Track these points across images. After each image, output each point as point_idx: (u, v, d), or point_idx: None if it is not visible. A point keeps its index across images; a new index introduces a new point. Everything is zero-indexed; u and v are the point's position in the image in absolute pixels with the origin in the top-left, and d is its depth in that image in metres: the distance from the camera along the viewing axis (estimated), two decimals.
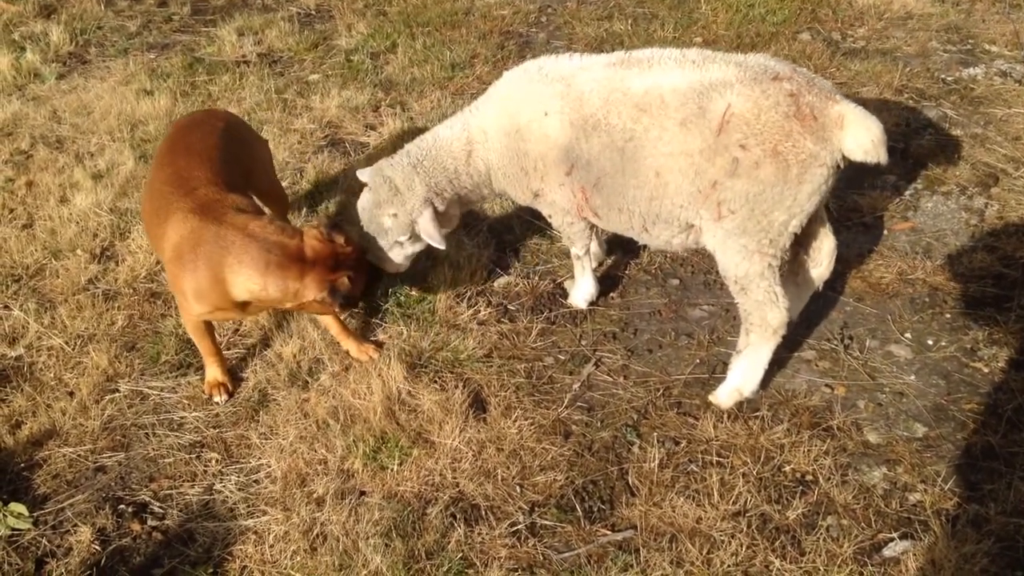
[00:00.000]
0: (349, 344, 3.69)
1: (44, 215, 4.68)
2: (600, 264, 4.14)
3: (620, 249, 4.24)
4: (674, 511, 2.98)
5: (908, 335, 3.70)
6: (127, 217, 4.63)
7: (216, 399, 3.55)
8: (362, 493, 3.13)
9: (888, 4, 6.46)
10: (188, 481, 3.24)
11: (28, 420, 3.49)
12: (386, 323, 3.90)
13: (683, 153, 3.02)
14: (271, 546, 2.95)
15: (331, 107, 5.58)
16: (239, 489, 3.19)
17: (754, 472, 3.10)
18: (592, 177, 3.26)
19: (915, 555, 2.78)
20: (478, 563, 2.86)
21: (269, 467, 3.25)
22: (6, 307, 4.08)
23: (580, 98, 3.19)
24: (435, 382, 3.52)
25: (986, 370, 3.50)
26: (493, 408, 3.41)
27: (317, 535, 2.97)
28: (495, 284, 4.11)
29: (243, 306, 3.23)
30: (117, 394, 3.61)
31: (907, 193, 4.55)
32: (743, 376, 3.34)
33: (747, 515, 2.96)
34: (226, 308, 3.21)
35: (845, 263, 3.99)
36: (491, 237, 4.39)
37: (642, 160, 3.10)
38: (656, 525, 2.95)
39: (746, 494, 3.02)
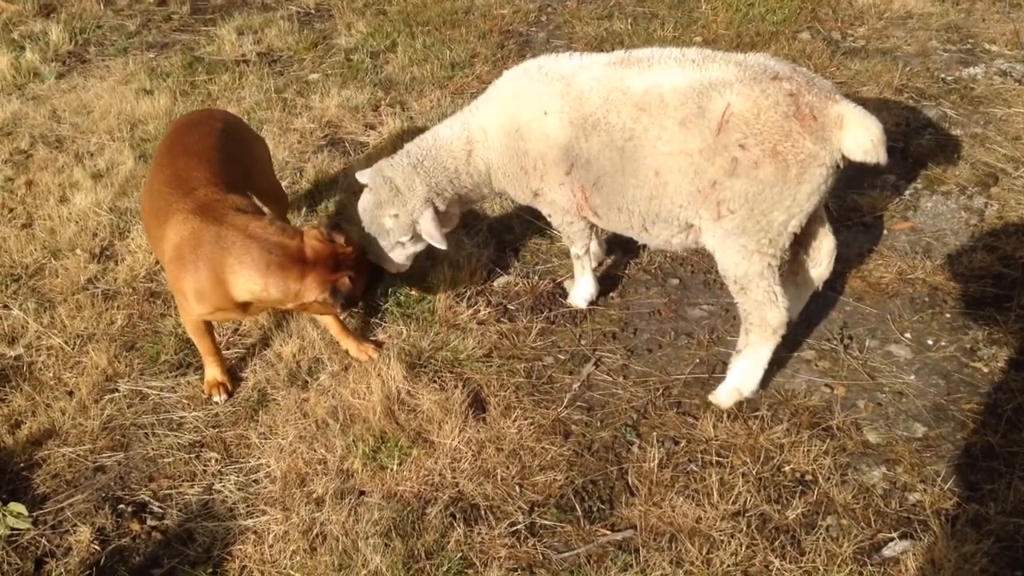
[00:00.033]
0: (348, 344, 3.69)
1: (43, 214, 4.68)
2: (600, 264, 4.14)
3: (620, 249, 4.24)
4: (674, 511, 2.98)
5: (908, 335, 3.70)
6: (127, 217, 4.63)
7: (215, 399, 3.55)
8: (362, 493, 3.13)
9: (888, 3, 6.46)
10: (187, 481, 3.24)
11: (27, 420, 3.49)
12: (385, 323, 3.90)
13: (682, 152, 3.02)
14: (271, 546, 2.95)
15: (331, 106, 5.57)
16: (238, 489, 3.19)
17: (754, 472, 3.10)
18: (592, 176, 3.26)
19: (915, 555, 2.78)
20: (478, 563, 2.86)
21: (268, 467, 3.25)
22: (5, 307, 4.08)
23: (580, 97, 3.19)
24: (435, 382, 3.52)
25: (986, 370, 3.49)
26: (493, 408, 3.41)
27: (317, 535, 2.97)
28: (495, 284, 4.11)
29: (244, 307, 3.23)
30: (116, 394, 3.61)
31: (907, 193, 4.55)
32: (743, 376, 3.34)
33: (747, 515, 2.96)
34: (227, 309, 3.22)
35: (845, 263, 3.99)
36: (491, 237, 4.39)
37: (642, 159, 3.10)
38: (656, 525, 2.95)
39: (746, 494, 3.02)
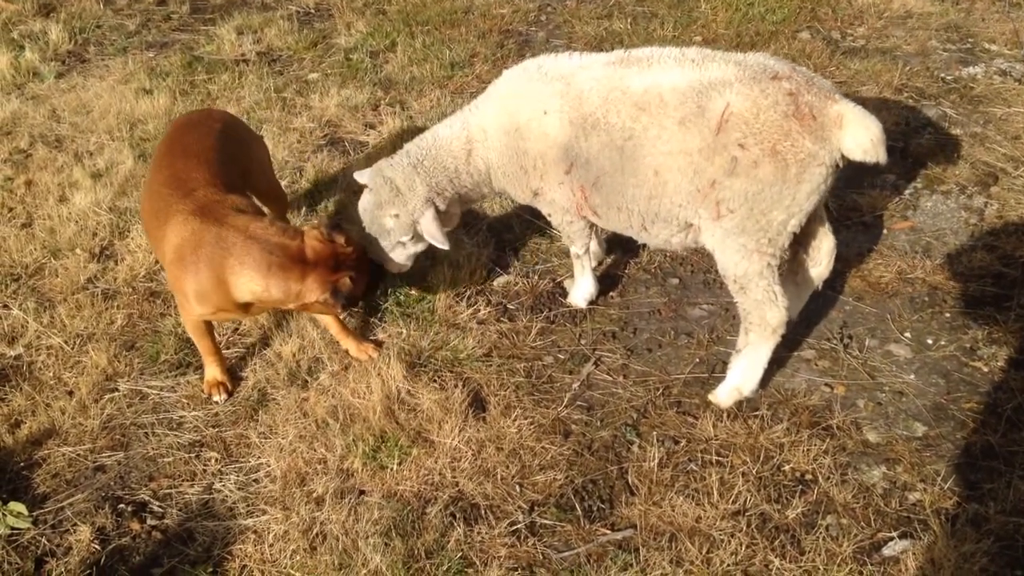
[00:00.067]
0: (348, 343, 3.69)
1: (43, 214, 4.68)
2: (600, 263, 4.14)
3: (620, 248, 4.24)
4: (674, 510, 2.98)
5: (908, 334, 3.70)
6: (126, 216, 4.63)
7: (215, 398, 3.55)
8: (361, 492, 3.13)
9: (888, 3, 6.46)
10: (187, 480, 3.24)
11: (27, 419, 3.49)
12: (385, 322, 3.90)
13: (682, 152, 3.02)
14: (271, 545, 2.95)
15: (330, 106, 5.57)
16: (238, 488, 3.19)
17: (754, 471, 3.10)
18: (591, 176, 3.26)
19: (914, 554, 2.78)
20: (478, 562, 2.86)
21: (268, 466, 3.25)
22: (5, 306, 4.08)
23: (579, 97, 3.19)
24: (434, 381, 3.52)
25: (986, 369, 3.50)
26: (493, 407, 3.41)
27: (317, 534, 2.97)
28: (495, 283, 4.11)
29: (245, 307, 3.23)
30: (116, 393, 3.61)
31: (906, 192, 4.55)
32: (742, 375, 3.34)
33: (747, 514, 2.96)
34: (228, 309, 3.22)
35: (844, 262, 3.99)
36: (491, 236, 4.39)
37: (641, 159, 3.10)
38: (656, 524, 2.96)
39: (746, 493, 3.02)
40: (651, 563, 2.82)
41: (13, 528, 3.04)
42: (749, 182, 2.94)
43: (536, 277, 4.13)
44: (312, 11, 7.21)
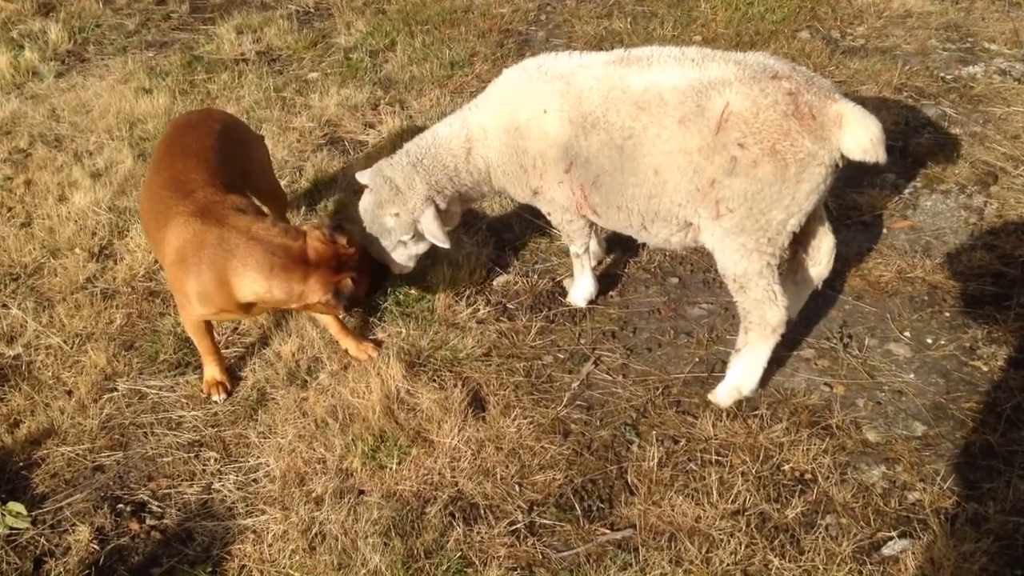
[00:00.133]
0: (348, 343, 3.69)
1: (43, 214, 4.67)
2: (599, 262, 4.14)
3: (619, 247, 4.24)
4: (673, 510, 2.98)
5: (907, 333, 3.70)
6: (126, 216, 4.63)
7: (215, 398, 3.55)
8: (361, 492, 3.13)
9: (887, 2, 6.46)
10: (187, 480, 3.24)
11: (26, 419, 3.49)
12: (385, 322, 3.90)
13: (682, 151, 3.01)
14: (270, 545, 2.95)
15: (330, 105, 5.57)
16: (238, 488, 3.19)
17: (753, 471, 3.10)
18: (591, 175, 3.26)
19: (914, 554, 2.78)
20: (477, 562, 2.86)
21: (268, 466, 3.25)
22: (4, 306, 4.07)
23: (579, 96, 3.19)
24: (434, 381, 3.52)
25: (985, 368, 3.49)
26: (492, 407, 3.41)
27: (316, 534, 2.97)
28: (494, 283, 4.11)
29: (247, 307, 3.24)
30: (115, 393, 3.60)
31: (906, 192, 4.55)
32: (742, 375, 3.34)
33: (746, 514, 2.96)
34: (230, 310, 3.22)
35: (844, 261, 3.99)
36: (490, 235, 4.38)
37: (641, 158, 3.10)
38: (655, 524, 2.95)
39: (745, 493, 3.02)
40: (651, 563, 2.82)
41: (12, 528, 3.04)
42: (749, 181, 2.94)
43: (536, 276, 4.13)
44: (312, 10, 7.20)
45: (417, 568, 2.84)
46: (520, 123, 3.34)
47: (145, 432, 3.44)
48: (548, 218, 3.71)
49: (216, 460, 3.31)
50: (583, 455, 3.24)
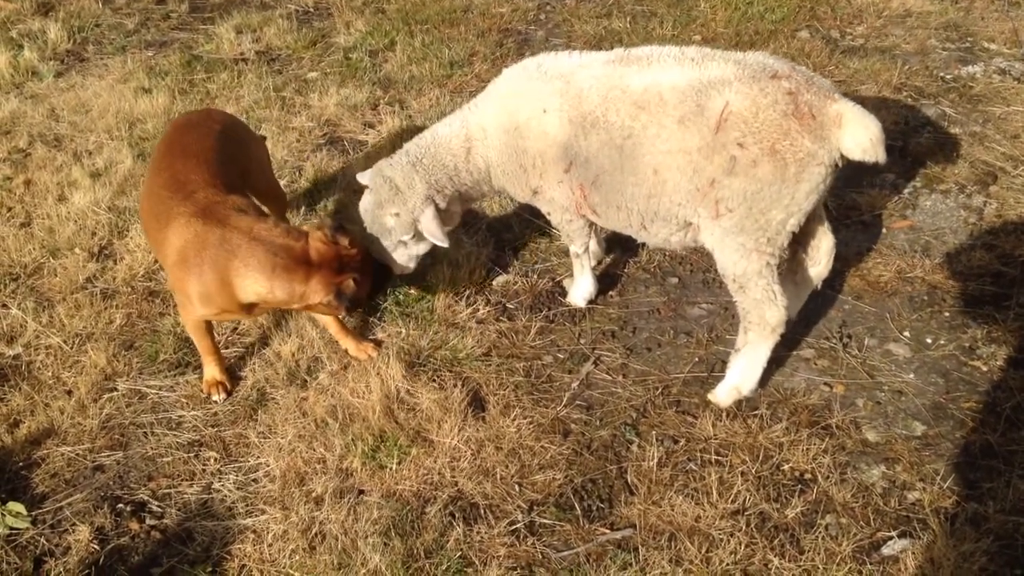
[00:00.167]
0: (348, 343, 3.69)
1: (42, 213, 4.67)
2: (599, 262, 4.14)
3: (619, 247, 4.24)
4: (673, 510, 2.98)
5: (907, 333, 3.70)
6: (125, 215, 4.63)
7: (214, 398, 3.55)
8: (361, 492, 3.13)
9: (887, 2, 6.46)
10: (187, 480, 3.24)
11: (26, 419, 3.49)
12: (385, 322, 3.90)
13: (681, 151, 3.01)
14: (270, 545, 2.95)
15: (329, 105, 5.57)
16: (238, 488, 3.19)
17: (753, 470, 3.10)
18: (591, 174, 3.26)
19: (914, 553, 2.78)
20: (477, 562, 2.86)
21: (268, 466, 3.25)
22: (4, 306, 4.07)
23: (579, 95, 3.19)
24: (434, 381, 3.52)
25: (985, 368, 3.50)
26: (492, 407, 3.41)
27: (316, 534, 2.97)
28: (494, 282, 4.11)
29: (248, 308, 3.23)
30: (115, 393, 3.60)
31: (906, 191, 4.55)
32: (742, 374, 3.34)
33: (746, 513, 2.96)
34: (231, 310, 3.22)
35: (844, 261, 3.99)
36: (490, 235, 4.38)
37: (640, 158, 3.10)
38: (655, 524, 2.95)
39: (745, 493, 3.02)
40: (650, 562, 2.82)
41: (12, 528, 3.04)
42: (748, 181, 2.94)
43: (535, 276, 4.13)
44: (311, 10, 7.20)
45: (417, 568, 2.84)
46: (520, 123, 3.34)
47: (145, 432, 3.44)
48: (548, 218, 3.71)
49: (216, 460, 3.31)
50: (583, 455, 3.24)
